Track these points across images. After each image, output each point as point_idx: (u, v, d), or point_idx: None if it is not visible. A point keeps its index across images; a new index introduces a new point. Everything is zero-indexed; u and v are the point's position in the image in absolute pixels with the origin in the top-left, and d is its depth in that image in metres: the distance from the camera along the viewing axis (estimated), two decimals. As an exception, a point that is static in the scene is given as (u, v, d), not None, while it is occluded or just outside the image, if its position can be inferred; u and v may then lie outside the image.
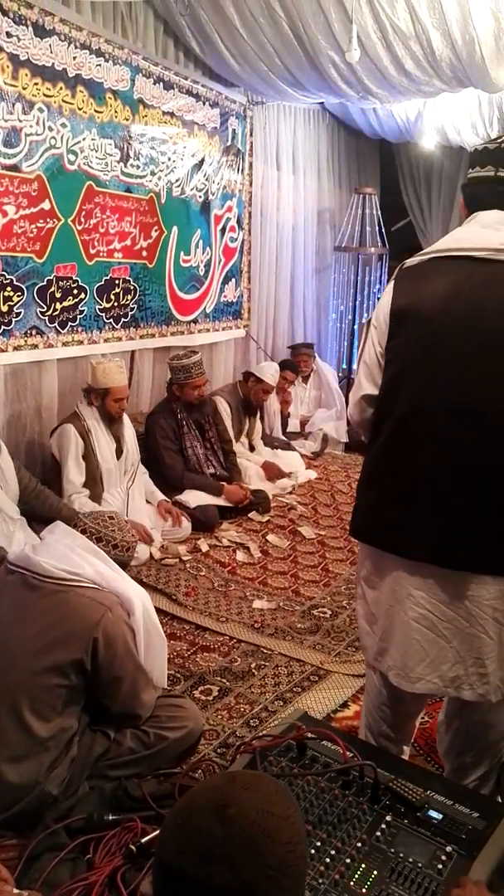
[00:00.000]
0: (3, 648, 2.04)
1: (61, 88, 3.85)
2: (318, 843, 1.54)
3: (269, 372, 5.17)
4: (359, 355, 1.93)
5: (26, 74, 3.62)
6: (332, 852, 1.52)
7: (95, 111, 4.11)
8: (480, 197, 1.78)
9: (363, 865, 1.50)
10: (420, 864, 1.49)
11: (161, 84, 4.63)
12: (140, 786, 2.04)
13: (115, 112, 4.27)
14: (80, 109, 3.99)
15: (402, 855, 1.52)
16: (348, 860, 1.50)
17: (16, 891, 1.60)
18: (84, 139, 4.05)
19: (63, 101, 3.87)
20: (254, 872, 0.96)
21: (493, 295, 1.65)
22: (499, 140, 1.75)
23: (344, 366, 7.34)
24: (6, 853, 1.88)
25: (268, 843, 0.98)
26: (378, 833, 1.57)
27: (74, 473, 3.85)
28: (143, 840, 1.82)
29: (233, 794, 1.02)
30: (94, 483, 3.91)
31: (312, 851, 1.52)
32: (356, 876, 1.47)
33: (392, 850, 1.53)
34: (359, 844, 1.54)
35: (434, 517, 1.72)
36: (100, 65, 4.09)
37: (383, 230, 7.04)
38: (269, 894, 0.97)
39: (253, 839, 0.98)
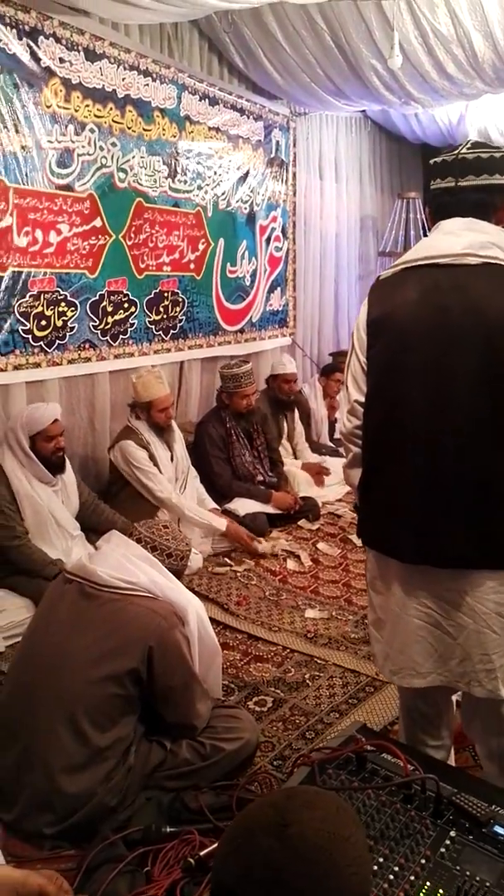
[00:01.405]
0: (60, 658, 2.07)
1: (111, 109, 3.93)
2: (381, 859, 1.52)
3: (283, 362, 5.19)
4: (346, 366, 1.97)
5: (78, 97, 3.72)
6: (396, 869, 1.50)
7: (144, 129, 4.18)
8: (443, 206, 1.85)
9: (428, 883, 1.47)
10: (488, 884, 1.46)
11: (206, 100, 4.69)
12: (197, 797, 2.03)
13: (163, 129, 4.34)
14: (129, 128, 4.07)
15: (468, 873, 1.48)
16: (412, 877, 1.48)
17: None
18: (133, 157, 4.13)
19: (113, 121, 3.96)
20: None
21: (456, 297, 1.70)
22: (456, 152, 1.83)
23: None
24: (64, 864, 1.88)
25: (329, 865, 0.93)
26: (442, 849, 1.54)
27: (159, 476, 3.90)
28: (202, 853, 1.80)
29: (293, 813, 0.97)
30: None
31: (376, 868, 1.50)
32: (422, 894, 1.45)
33: (458, 868, 1.50)
34: (423, 861, 1.51)
35: (420, 520, 1.77)
36: (147, 84, 4.17)
37: (427, 234, 6.97)
38: None
39: (314, 862, 0.93)
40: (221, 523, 3.99)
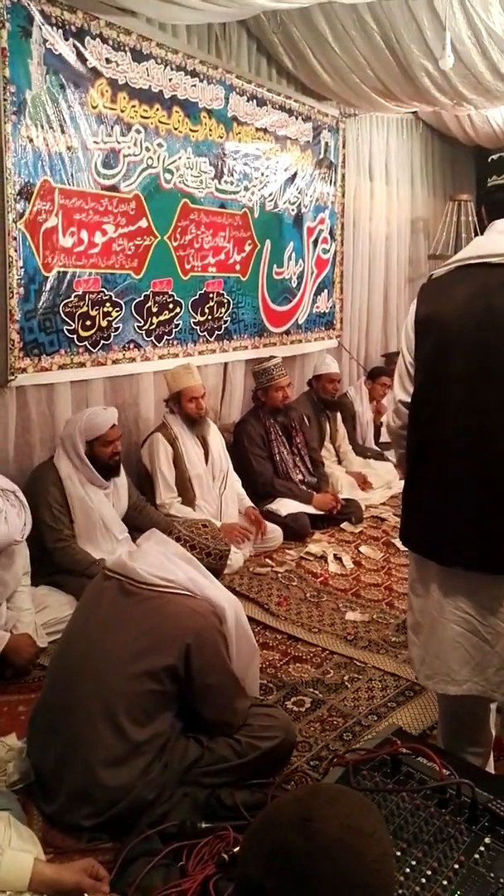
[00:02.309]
0: (99, 653, 2.09)
1: (157, 109, 3.96)
2: (414, 863, 1.50)
3: (326, 362, 5.16)
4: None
5: (124, 98, 3.75)
6: (429, 872, 1.47)
7: (190, 130, 4.21)
8: (498, 204, 1.86)
9: (461, 889, 1.44)
10: (522, 892, 1.43)
11: (254, 101, 4.70)
12: (233, 794, 2.04)
13: (210, 130, 4.36)
14: (175, 129, 4.10)
15: (502, 881, 1.46)
16: (445, 882, 1.45)
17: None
18: (179, 158, 4.16)
19: (159, 121, 3.99)
20: (336, 892, 0.92)
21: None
22: None
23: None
24: (102, 856, 1.91)
25: (352, 860, 0.94)
26: (476, 856, 1.51)
27: (168, 479, 3.94)
28: (236, 849, 1.81)
29: (317, 809, 0.98)
30: (185, 489, 4.00)
31: (407, 870, 1.48)
32: (453, 898, 1.42)
33: (492, 875, 1.47)
34: (456, 866, 1.49)
35: (463, 524, 1.75)
36: (195, 85, 4.19)
37: (481, 234, 6.86)
38: None
39: (337, 857, 0.93)
40: (216, 520, 3.96)
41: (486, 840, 1.55)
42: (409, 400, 1.88)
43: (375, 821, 1.01)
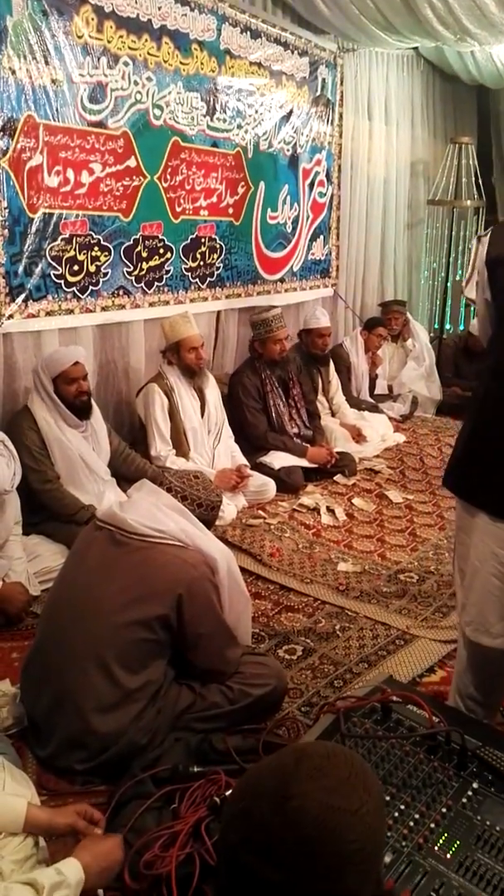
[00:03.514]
0: (90, 602, 2.09)
1: (146, 41, 3.79)
2: (402, 807, 1.52)
3: (316, 315, 5.02)
4: (467, 277, 1.98)
5: (111, 27, 3.58)
6: (416, 816, 1.49)
7: (181, 63, 4.04)
8: None
9: (448, 831, 1.46)
10: (508, 834, 1.44)
11: (248, 33, 4.51)
12: (225, 740, 2.06)
13: (202, 64, 4.19)
14: (165, 62, 3.94)
15: (488, 823, 1.48)
16: (433, 825, 1.47)
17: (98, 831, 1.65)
18: (169, 93, 4.00)
19: (148, 53, 3.82)
20: (309, 875, 0.89)
21: None
22: None
23: (436, 325, 7.10)
24: (95, 799, 1.95)
25: (329, 842, 0.91)
26: (464, 800, 1.54)
27: (163, 431, 3.89)
28: (227, 793, 1.83)
29: (297, 784, 0.94)
30: (179, 442, 3.95)
31: (396, 814, 1.50)
32: (440, 841, 1.43)
33: (478, 818, 1.49)
34: (444, 810, 1.51)
35: None
36: (185, 14, 4.01)
37: (480, 182, 6.72)
38: (331, 891, 0.90)
39: (313, 838, 0.90)
40: (210, 472, 3.93)
41: (474, 785, 1.58)
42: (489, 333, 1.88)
43: (363, 791, 0.96)
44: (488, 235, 1.88)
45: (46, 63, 3.28)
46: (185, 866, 1.64)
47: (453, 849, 1.42)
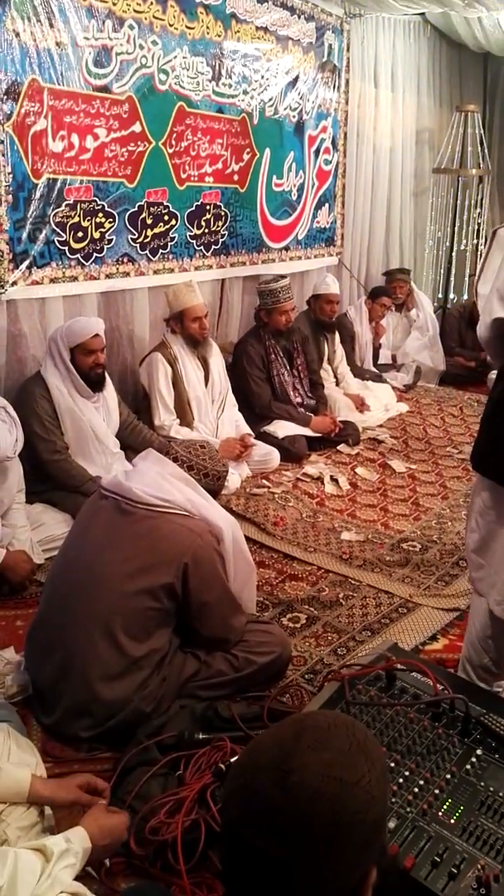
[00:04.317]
0: (96, 571, 2.10)
1: (152, 4, 3.71)
2: (407, 773, 1.54)
3: (326, 282, 5.01)
4: (479, 271, 1.84)
5: (116, -11, 3.51)
6: (421, 782, 1.52)
7: (187, 27, 3.96)
8: None
9: (452, 797, 1.48)
10: (511, 800, 1.47)
11: (254, -4, 4.41)
12: (229, 707, 2.07)
13: (207, 28, 4.11)
14: (171, 26, 3.86)
15: (492, 789, 1.50)
16: (437, 791, 1.50)
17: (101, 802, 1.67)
18: (175, 57, 3.92)
19: (154, 17, 3.74)
20: (311, 848, 0.89)
21: None
22: None
23: (440, 295, 7.05)
24: (101, 766, 1.97)
25: (331, 815, 0.89)
26: (468, 766, 1.56)
27: (167, 400, 3.88)
28: (232, 760, 1.85)
29: (297, 757, 0.93)
30: (183, 411, 3.95)
31: (401, 780, 1.52)
32: (444, 807, 1.46)
33: (482, 784, 1.52)
34: (448, 776, 1.53)
35: None
36: (191, -24, 3.92)
37: (486, 150, 6.63)
38: (330, 867, 0.89)
39: (314, 811, 0.89)
40: (215, 442, 3.92)
41: (478, 752, 1.60)
42: None
43: (365, 762, 0.94)
44: None
45: (51, 26, 3.22)
46: (191, 832, 1.66)
47: (457, 814, 1.44)
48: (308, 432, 4.46)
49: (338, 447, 4.54)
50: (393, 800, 1.47)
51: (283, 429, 4.37)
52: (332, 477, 4.09)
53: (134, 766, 1.89)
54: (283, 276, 4.56)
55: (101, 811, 1.60)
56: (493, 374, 1.94)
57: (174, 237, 4.18)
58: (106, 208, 3.69)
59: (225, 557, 2.22)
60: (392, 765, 1.56)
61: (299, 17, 4.87)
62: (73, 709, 2.04)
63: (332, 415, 4.72)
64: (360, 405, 5.04)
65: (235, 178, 4.57)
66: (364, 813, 0.91)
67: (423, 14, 6.01)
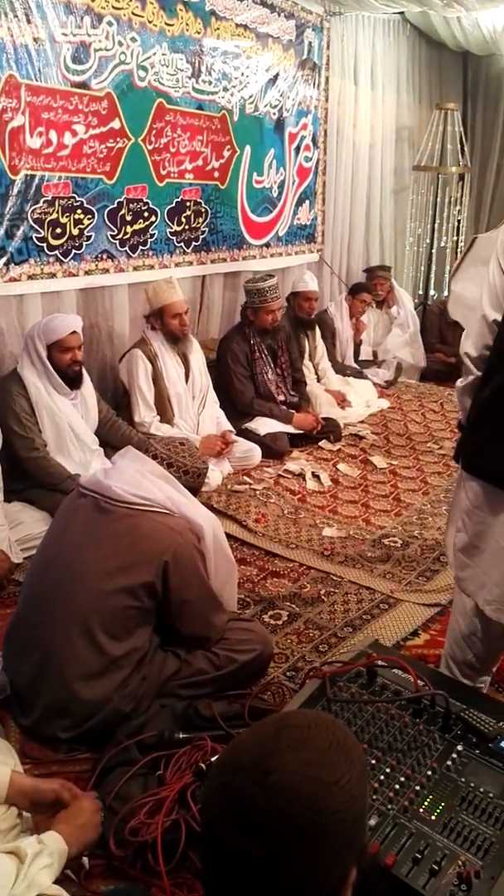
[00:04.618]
0: (75, 570, 2.08)
1: (130, 0, 3.69)
2: (388, 770, 1.54)
3: (304, 279, 5.01)
4: (454, 269, 1.83)
5: (94, -15, 3.48)
6: (402, 779, 1.51)
7: (166, 24, 3.94)
8: None
9: (433, 793, 1.49)
10: (491, 795, 1.47)
11: (234, -7, 4.40)
12: (210, 705, 2.06)
13: (187, 25, 4.09)
14: (150, 22, 3.83)
15: (472, 785, 1.50)
16: (418, 787, 1.49)
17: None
18: (154, 54, 3.90)
19: (133, 13, 3.72)
20: (290, 848, 0.88)
21: None
22: None
23: (420, 291, 7.08)
24: (80, 766, 1.95)
25: (311, 814, 0.89)
26: (448, 762, 1.56)
27: (147, 397, 3.86)
28: (213, 759, 1.83)
29: (277, 756, 0.92)
30: (163, 408, 3.93)
31: (382, 777, 1.52)
32: (426, 803, 1.46)
33: (462, 780, 1.52)
34: (429, 773, 1.53)
35: None
36: (170, -27, 3.90)
37: (466, 148, 6.66)
38: (309, 866, 0.89)
39: (295, 811, 0.89)
40: (196, 439, 3.91)
41: (459, 747, 1.60)
42: (500, 318, 1.73)
43: (345, 762, 0.94)
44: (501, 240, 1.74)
45: (28, 21, 3.19)
46: (171, 832, 1.64)
47: (438, 811, 1.44)
48: (290, 429, 4.46)
49: (319, 443, 4.55)
50: (374, 797, 1.47)
51: (264, 425, 4.37)
52: (313, 473, 4.09)
53: (113, 766, 1.87)
54: (271, 276, 4.55)
55: (69, 811, 1.59)
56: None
57: (154, 234, 4.16)
58: (85, 205, 3.66)
59: (205, 555, 2.21)
60: (373, 762, 1.56)
61: (279, 15, 4.86)
62: (51, 709, 2.01)
63: (313, 411, 4.73)
64: (342, 401, 5.05)
65: (216, 174, 4.55)
66: (343, 812, 0.91)
67: (402, 13, 6.03)
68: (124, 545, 2.07)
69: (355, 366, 5.81)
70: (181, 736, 1.94)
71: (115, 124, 3.75)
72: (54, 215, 3.50)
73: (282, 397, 4.61)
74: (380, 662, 1.84)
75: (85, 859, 1.60)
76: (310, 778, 0.91)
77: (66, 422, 3.30)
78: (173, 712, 2.06)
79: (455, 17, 5.78)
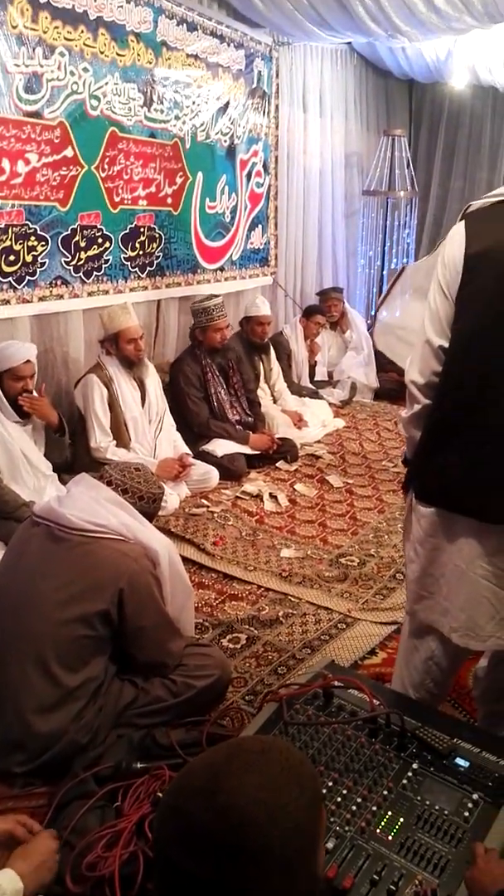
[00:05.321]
0: (28, 600, 2.06)
1: (82, 32, 3.73)
2: (345, 791, 1.55)
3: (257, 304, 5.07)
4: (380, 301, 1.85)
5: (46, 17, 3.51)
6: (359, 800, 1.53)
7: (118, 55, 3.99)
8: None
9: (389, 813, 1.50)
10: (447, 812, 1.49)
11: (184, 25, 4.48)
12: (168, 734, 2.04)
13: (138, 55, 4.14)
14: (101, 53, 3.88)
15: (428, 802, 1.52)
16: (374, 808, 1.51)
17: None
18: (107, 84, 3.95)
19: (84, 44, 3.76)
20: (236, 870, 0.89)
21: None
22: None
23: (373, 312, 7.21)
24: (35, 801, 1.91)
25: (255, 838, 0.89)
26: (404, 781, 1.58)
27: (102, 422, 3.86)
28: (168, 789, 1.84)
29: (227, 779, 0.93)
30: (120, 432, 3.93)
31: (339, 799, 1.53)
32: (382, 823, 1.47)
33: (418, 798, 1.54)
34: (385, 792, 1.55)
35: None
36: (122, 6, 3.96)
37: (413, 173, 6.84)
38: (258, 890, 0.90)
39: (239, 835, 0.89)
40: (152, 463, 3.91)
41: (414, 766, 1.62)
42: (447, 345, 1.70)
43: (295, 786, 0.95)
44: (461, 231, 1.70)
45: (-22, 52, 3.20)
46: (129, 865, 1.62)
47: (395, 830, 1.46)
48: (246, 450, 4.48)
49: (276, 464, 4.58)
50: (331, 819, 1.48)
51: (221, 447, 4.39)
52: (270, 494, 4.12)
53: (70, 799, 1.84)
54: (215, 295, 4.59)
55: (24, 848, 1.55)
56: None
57: (108, 259, 4.18)
58: (38, 231, 3.67)
59: (161, 581, 2.20)
60: (330, 784, 1.57)
61: (229, 45, 4.95)
62: (5, 743, 1.98)
63: (269, 432, 4.76)
64: (298, 421, 5.10)
65: (169, 200, 4.60)
66: (289, 837, 0.91)
67: (349, 43, 6.19)
68: (78, 574, 2.05)
69: (311, 386, 5.88)
70: (139, 766, 1.92)
71: (69, 152, 3.77)
72: (7, 242, 3.50)
73: (236, 417, 4.63)
74: (336, 683, 1.86)
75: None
76: (257, 801, 0.91)
77: (19, 448, 3.28)
78: (130, 742, 2.03)
79: (400, 47, 5.96)
